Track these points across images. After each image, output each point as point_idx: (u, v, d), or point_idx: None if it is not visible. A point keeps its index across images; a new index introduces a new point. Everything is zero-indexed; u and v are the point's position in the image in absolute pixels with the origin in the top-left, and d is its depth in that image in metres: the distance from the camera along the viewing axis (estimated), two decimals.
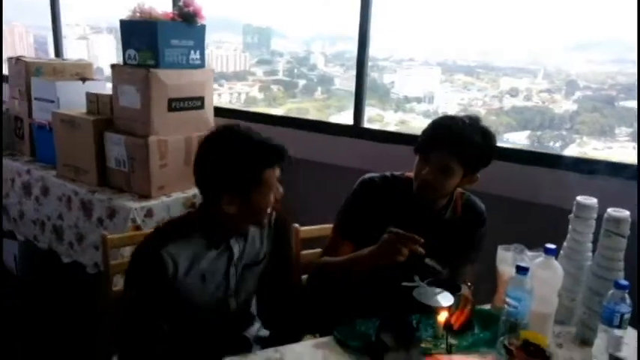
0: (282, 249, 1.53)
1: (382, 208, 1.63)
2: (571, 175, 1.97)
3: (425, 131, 1.56)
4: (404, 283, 1.43)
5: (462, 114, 1.56)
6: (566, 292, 1.51)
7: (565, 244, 1.57)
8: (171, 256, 1.30)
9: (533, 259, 1.50)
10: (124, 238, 1.82)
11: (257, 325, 1.61)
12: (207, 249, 1.36)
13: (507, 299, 1.35)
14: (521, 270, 1.34)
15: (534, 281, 1.36)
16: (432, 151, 1.51)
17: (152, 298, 1.31)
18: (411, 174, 1.64)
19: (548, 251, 1.41)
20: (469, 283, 1.52)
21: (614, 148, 2.19)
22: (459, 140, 1.48)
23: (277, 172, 1.32)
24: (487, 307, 1.61)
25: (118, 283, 2.22)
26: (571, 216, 1.55)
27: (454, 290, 1.45)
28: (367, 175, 1.69)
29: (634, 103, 1.98)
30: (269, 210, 1.36)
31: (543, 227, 1.79)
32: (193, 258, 1.34)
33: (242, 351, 1.37)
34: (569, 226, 1.56)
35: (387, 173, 1.69)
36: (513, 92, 2.47)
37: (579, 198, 1.54)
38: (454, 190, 1.63)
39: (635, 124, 2.02)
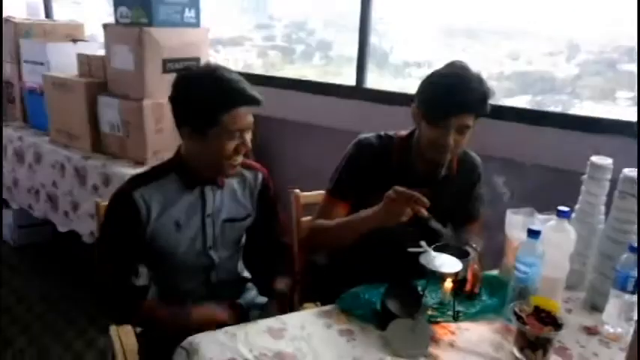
0: (266, 211, 1.50)
1: (378, 168, 1.58)
2: (581, 136, 1.89)
3: (432, 99, 1.47)
4: (410, 249, 1.37)
5: (446, 68, 1.48)
6: (577, 256, 1.45)
7: (577, 206, 1.51)
8: (143, 199, 1.30)
9: (543, 222, 1.45)
10: None
11: (253, 292, 1.56)
12: (181, 192, 1.35)
13: (517, 264, 1.30)
14: (533, 233, 1.28)
15: (545, 245, 1.30)
16: (451, 116, 1.43)
17: (123, 238, 1.31)
18: (403, 133, 1.61)
19: (561, 214, 1.35)
20: (474, 245, 1.47)
21: (614, 112, 2.10)
22: (476, 99, 1.43)
23: (243, 121, 1.27)
24: (495, 272, 1.56)
25: None
26: (584, 177, 1.49)
27: (462, 256, 1.39)
28: (362, 136, 1.63)
29: (635, 67, 1.88)
30: (233, 161, 1.31)
31: (552, 190, 1.73)
32: (166, 202, 1.33)
33: (238, 317, 1.33)
34: (582, 188, 1.49)
35: (381, 133, 1.64)
36: (514, 56, 2.38)
37: (594, 158, 1.46)
38: None
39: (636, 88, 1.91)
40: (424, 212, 1.35)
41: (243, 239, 1.51)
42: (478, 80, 1.44)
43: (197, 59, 2.55)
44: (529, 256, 1.28)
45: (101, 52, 2.61)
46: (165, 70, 2.42)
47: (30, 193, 2.89)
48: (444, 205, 1.59)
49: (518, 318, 1.19)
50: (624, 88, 2.11)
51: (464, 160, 1.64)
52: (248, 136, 1.30)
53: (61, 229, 2.75)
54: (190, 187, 1.35)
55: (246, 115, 1.27)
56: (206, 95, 1.22)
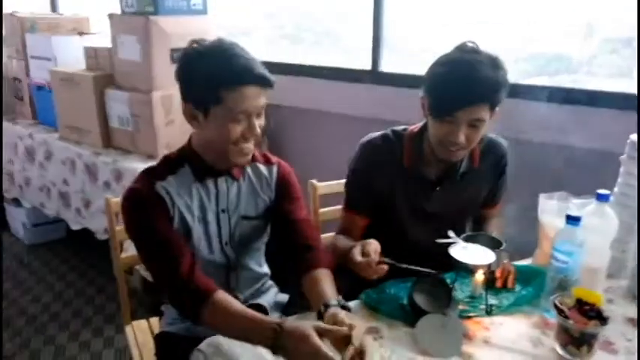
0: (287, 203, 1.35)
1: (389, 173, 1.46)
2: (616, 113, 1.78)
3: (437, 90, 1.31)
4: (438, 240, 1.28)
5: (455, 53, 1.31)
6: (617, 243, 1.35)
7: (616, 189, 1.41)
8: (166, 191, 1.20)
9: (579, 207, 1.35)
10: None
11: (274, 290, 1.47)
12: (195, 184, 1.25)
13: (555, 253, 1.20)
14: (572, 220, 1.18)
15: (585, 232, 1.20)
16: (458, 109, 1.27)
17: (164, 229, 1.18)
18: (414, 127, 1.47)
19: (600, 197, 1.25)
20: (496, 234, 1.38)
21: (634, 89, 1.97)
22: (487, 87, 1.26)
23: (250, 103, 1.13)
24: (528, 261, 1.46)
25: (128, 249, 2.13)
26: (623, 157, 1.39)
27: (494, 245, 1.31)
28: (366, 138, 1.50)
29: None
30: (241, 148, 1.18)
31: (586, 173, 1.63)
32: (184, 195, 1.23)
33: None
34: (621, 169, 1.40)
35: (388, 131, 1.50)
36: (529, 37, 2.25)
37: (633, 136, 1.36)
38: None
39: None
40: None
41: (266, 238, 1.39)
42: (491, 65, 1.26)
43: None
44: (568, 245, 1.19)
45: (108, 45, 2.53)
46: (174, 60, 2.34)
47: (42, 192, 2.85)
48: (465, 199, 1.51)
49: (560, 312, 1.10)
50: None
51: (488, 149, 1.50)
52: (257, 122, 1.17)
53: (74, 227, 2.71)
54: (202, 179, 1.25)
55: (254, 97, 1.14)
56: (210, 68, 1.11)
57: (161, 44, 2.29)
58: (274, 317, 1.16)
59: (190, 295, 1.13)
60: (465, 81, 1.25)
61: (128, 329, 1.66)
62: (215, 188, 1.27)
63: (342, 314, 1.07)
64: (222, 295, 1.13)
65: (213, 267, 1.29)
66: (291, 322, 1.02)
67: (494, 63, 1.28)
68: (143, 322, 1.69)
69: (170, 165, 1.24)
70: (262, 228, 1.36)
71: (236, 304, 1.12)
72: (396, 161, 1.46)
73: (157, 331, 1.60)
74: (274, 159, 1.37)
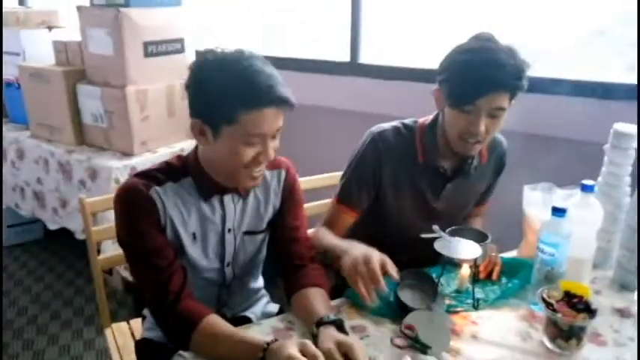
0: (290, 217, 1.28)
1: (400, 169, 1.40)
2: (598, 103, 1.77)
3: (457, 78, 1.26)
4: (423, 235, 1.26)
5: (472, 42, 1.27)
6: (602, 233, 1.34)
7: (600, 179, 1.40)
8: (160, 198, 1.10)
9: (564, 198, 1.34)
10: (105, 201, 1.61)
11: (264, 300, 1.43)
12: (197, 200, 1.16)
13: (542, 245, 1.19)
14: (558, 211, 1.16)
15: (570, 223, 1.19)
16: (478, 98, 1.22)
17: (156, 239, 1.10)
18: (424, 120, 1.42)
19: (585, 188, 1.24)
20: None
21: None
22: (509, 74, 1.21)
23: (267, 126, 1.04)
24: (513, 254, 1.45)
25: (107, 249, 2.06)
26: (606, 146, 1.37)
27: (480, 239, 1.29)
28: (377, 129, 1.42)
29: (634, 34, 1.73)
30: (252, 171, 1.10)
31: (568, 163, 1.62)
32: (183, 208, 1.14)
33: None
34: (605, 158, 1.38)
35: (398, 123, 1.44)
36: (499, 32, 2.24)
37: (617, 125, 1.35)
38: None
39: None
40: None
41: (263, 254, 1.33)
42: (510, 53, 1.23)
43: (181, 40, 2.40)
44: (554, 236, 1.17)
45: (78, 39, 2.45)
46: (147, 54, 2.27)
47: (15, 192, 2.76)
48: (468, 197, 1.49)
49: (548, 305, 1.08)
50: (617, 55, 1.99)
51: (494, 145, 1.48)
52: (272, 144, 1.09)
53: (52, 226, 2.63)
54: (207, 197, 1.16)
55: (272, 119, 1.04)
56: (228, 85, 1.00)
57: (133, 37, 2.21)
58: (264, 337, 1.10)
59: (178, 321, 1.08)
60: (487, 67, 1.21)
61: (108, 332, 1.60)
62: (221, 208, 1.18)
63: (357, 350, 0.98)
64: (211, 320, 1.07)
65: (206, 284, 1.25)
66: (280, 341, 0.98)
67: (512, 52, 1.25)
68: (123, 325, 1.64)
69: (172, 171, 1.14)
70: (264, 240, 1.30)
71: (224, 327, 1.07)
72: (409, 156, 1.40)
73: (138, 333, 1.58)
74: (283, 161, 1.27)
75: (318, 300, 1.16)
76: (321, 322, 1.07)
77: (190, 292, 1.12)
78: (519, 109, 1.89)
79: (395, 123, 1.44)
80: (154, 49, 2.29)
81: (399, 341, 1.08)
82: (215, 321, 1.08)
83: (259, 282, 1.41)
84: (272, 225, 1.28)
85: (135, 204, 1.09)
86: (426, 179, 1.42)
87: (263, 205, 1.25)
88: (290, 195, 1.28)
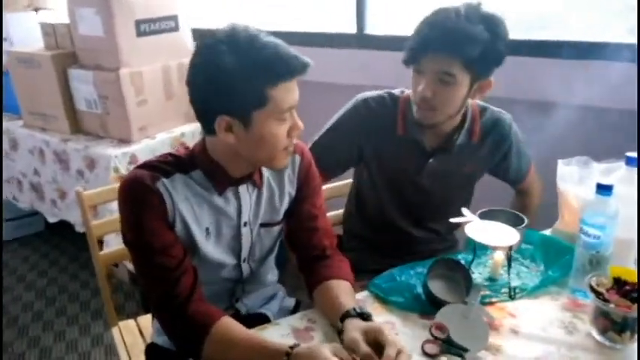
0: (308, 204, 1.17)
1: (378, 138, 1.35)
2: (629, 67, 1.62)
3: (412, 35, 1.23)
4: (452, 219, 1.15)
5: (458, 4, 1.21)
6: None
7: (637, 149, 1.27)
8: (168, 192, 1.00)
9: (604, 173, 1.22)
10: (104, 193, 1.50)
11: (280, 295, 1.32)
12: (209, 194, 1.05)
13: (585, 227, 1.08)
14: (604, 189, 1.05)
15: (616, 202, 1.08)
16: (424, 56, 1.19)
17: (164, 237, 1.00)
18: (410, 91, 1.33)
19: (630, 161, 1.12)
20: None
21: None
22: (453, 36, 1.15)
23: (295, 95, 0.99)
24: (548, 232, 1.34)
25: (111, 242, 1.97)
26: None
27: (514, 221, 1.18)
28: (361, 96, 1.38)
29: None
30: (284, 147, 1.01)
31: (604, 134, 1.50)
32: (193, 202, 1.03)
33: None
34: None
35: (384, 92, 1.38)
36: None
37: None
38: (464, 105, 1.29)
39: None
40: None
41: (277, 245, 1.24)
42: (475, 20, 1.16)
43: (174, 18, 2.25)
44: (600, 217, 1.06)
45: (67, 20, 2.30)
46: (140, 33, 2.13)
47: (11, 184, 2.65)
48: (459, 176, 1.40)
49: (598, 295, 0.98)
50: (617, 17, 1.87)
51: (491, 125, 1.37)
52: (296, 114, 1.03)
53: (51, 219, 2.53)
54: (222, 190, 1.06)
55: (295, 88, 0.99)
56: (249, 67, 0.91)
57: (124, 16, 2.06)
58: (284, 339, 1.00)
59: (187, 326, 0.98)
60: (433, 27, 1.18)
61: (115, 331, 1.52)
62: (237, 200, 1.08)
63: (387, 332, 0.92)
64: (224, 324, 0.98)
65: (221, 281, 1.15)
66: (304, 346, 0.89)
67: (489, 22, 1.17)
68: (131, 323, 1.55)
69: (179, 163, 1.04)
70: (280, 231, 1.20)
71: (240, 331, 0.97)
72: (389, 127, 1.34)
73: (146, 331, 1.50)
74: (297, 145, 1.15)
75: (343, 293, 1.06)
76: (346, 316, 0.98)
77: (201, 294, 1.02)
78: (538, 76, 1.77)
79: (382, 92, 1.38)
80: (146, 27, 2.15)
81: (430, 347, 0.97)
82: (229, 324, 0.98)
83: (275, 274, 1.31)
84: (288, 214, 1.18)
85: (140, 198, 0.99)
86: (407, 153, 1.35)
87: (278, 195, 1.14)
88: (306, 181, 1.17)
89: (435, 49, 1.17)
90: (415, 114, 1.28)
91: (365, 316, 0.99)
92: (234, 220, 1.09)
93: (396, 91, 1.38)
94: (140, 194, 0.99)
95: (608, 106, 1.61)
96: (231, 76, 0.92)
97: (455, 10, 1.18)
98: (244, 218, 1.10)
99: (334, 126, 1.39)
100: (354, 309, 1.00)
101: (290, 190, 1.16)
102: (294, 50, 0.96)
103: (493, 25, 1.18)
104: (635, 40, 1.59)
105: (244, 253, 1.14)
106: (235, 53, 0.92)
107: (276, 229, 1.18)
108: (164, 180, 1.00)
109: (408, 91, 1.34)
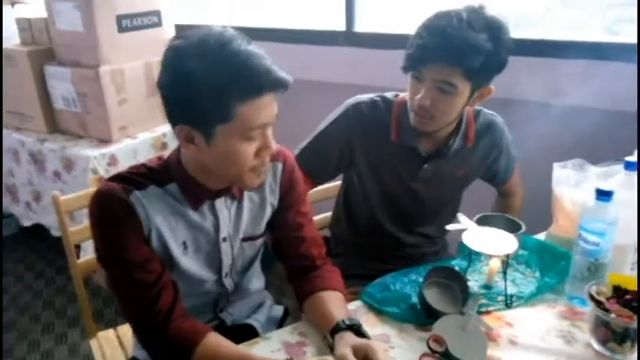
0: (293, 213, 1.11)
1: (370, 144, 1.30)
2: (624, 67, 1.60)
3: (412, 40, 1.17)
4: (448, 226, 1.11)
5: (459, 7, 1.16)
6: None
7: (636, 152, 1.25)
8: (141, 205, 0.93)
9: (600, 177, 1.20)
10: (82, 198, 1.43)
11: (267, 303, 1.27)
12: (185, 207, 0.99)
13: (584, 234, 1.04)
14: (603, 195, 1.02)
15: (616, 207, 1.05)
16: (424, 65, 1.14)
17: (140, 251, 0.94)
18: (405, 94, 1.28)
19: (629, 165, 1.09)
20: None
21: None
22: (456, 45, 1.10)
23: (267, 113, 0.88)
24: (541, 236, 1.31)
25: (88, 250, 1.89)
26: None
27: (510, 227, 1.15)
28: (353, 100, 1.33)
29: None
30: (250, 167, 0.92)
31: (597, 136, 1.48)
32: (169, 215, 0.97)
33: (247, 340, 1.03)
34: None
35: (377, 97, 1.33)
36: None
37: None
38: (462, 113, 1.26)
39: None
40: None
41: (260, 252, 1.18)
42: (478, 28, 1.10)
43: (157, 13, 2.19)
44: (600, 223, 1.03)
45: (44, 15, 2.22)
46: (121, 29, 2.06)
47: None
48: (453, 181, 1.36)
49: (598, 304, 0.94)
50: (596, 15, 1.87)
51: (485, 128, 1.34)
52: (270, 132, 0.93)
53: (25, 222, 2.44)
54: (197, 205, 0.99)
55: (270, 105, 0.88)
56: (216, 76, 0.83)
57: (105, 10, 2.00)
58: (276, 355, 0.95)
59: (170, 346, 0.92)
60: (434, 34, 1.12)
61: (93, 343, 1.45)
62: (213, 215, 1.02)
63: (379, 352, 0.88)
64: (211, 342, 0.92)
65: (203, 294, 1.09)
66: None
67: (493, 29, 1.12)
68: (111, 333, 1.48)
69: (154, 175, 0.97)
70: (262, 242, 1.14)
71: (227, 349, 0.92)
72: (382, 133, 1.30)
73: (127, 340, 1.42)
74: (278, 150, 1.04)
75: (333, 305, 1.01)
76: (336, 329, 0.94)
77: (183, 311, 0.96)
78: (533, 76, 1.74)
79: (374, 95, 1.33)
80: (128, 23, 2.08)
81: None
82: (216, 341, 0.93)
83: (261, 279, 1.24)
84: (273, 225, 1.12)
85: (112, 212, 0.92)
86: (401, 159, 1.31)
87: (259, 206, 1.08)
88: (290, 189, 1.10)
89: (436, 58, 1.12)
90: (412, 121, 1.23)
91: (355, 328, 0.95)
92: (211, 235, 1.03)
93: (390, 95, 1.33)
94: (112, 208, 0.92)
95: (594, 107, 1.59)
96: (195, 85, 0.83)
97: (457, 16, 1.12)
98: (223, 234, 1.03)
99: (324, 131, 1.34)
100: (343, 321, 0.95)
101: (272, 200, 1.09)
102: (271, 63, 0.86)
103: (496, 32, 1.13)
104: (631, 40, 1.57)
105: (225, 269, 1.08)
106: (202, 59, 0.83)
107: (259, 241, 1.12)
108: (137, 192, 0.93)
109: (402, 95, 1.30)
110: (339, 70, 2.20)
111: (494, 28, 1.13)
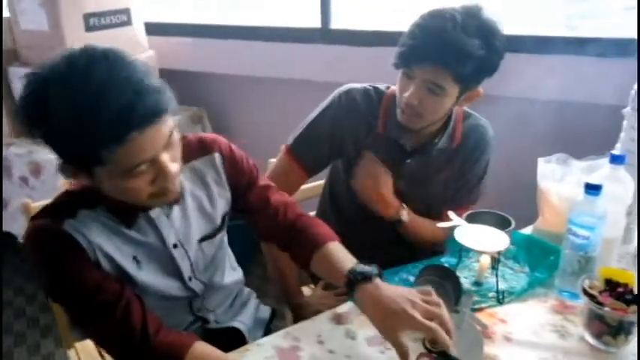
0: (249, 192, 1.08)
1: (359, 133, 1.29)
2: (611, 62, 1.61)
3: (405, 38, 1.17)
4: (439, 224, 1.10)
5: (454, 8, 1.14)
6: None
7: (618, 145, 1.28)
8: (78, 231, 0.86)
9: (584, 170, 1.21)
10: None
11: (252, 302, 1.23)
12: (120, 226, 0.92)
13: (574, 228, 1.05)
14: (592, 189, 1.02)
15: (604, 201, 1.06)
16: (415, 64, 1.15)
17: (90, 274, 0.87)
18: (395, 88, 1.27)
19: (615, 159, 1.10)
20: None
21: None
22: (448, 49, 1.09)
23: (148, 147, 0.78)
24: (528, 230, 1.32)
25: None
26: (626, 110, 1.25)
27: (500, 223, 1.14)
28: (346, 87, 1.32)
29: None
30: (148, 195, 0.84)
31: (580, 130, 1.49)
32: (109, 234, 0.90)
33: (234, 345, 1.00)
34: (624, 123, 1.27)
35: (369, 86, 1.32)
36: None
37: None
38: (449, 112, 1.26)
39: None
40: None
41: (226, 238, 1.12)
42: (470, 32, 1.09)
43: (126, 11, 2.12)
44: (588, 217, 1.03)
45: (7, 13, 2.12)
46: (89, 28, 1.99)
47: None
48: (436, 183, 1.34)
49: (592, 298, 0.95)
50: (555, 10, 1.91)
51: (472, 130, 1.32)
52: (169, 154, 0.82)
53: None
54: (131, 224, 0.92)
55: (153, 137, 0.77)
56: (77, 121, 0.72)
57: (72, 9, 1.93)
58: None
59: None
60: (426, 35, 1.11)
61: (71, 353, 1.38)
62: (152, 227, 0.95)
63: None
64: (198, 351, 0.88)
65: (174, 302, 1.03)
66: None
67: (479, 32, 1.10)
68: (89, 343, 1.41)
69: (81, 199, 0.89)
70: (224, 234, 1.10)
71: (217, 358, 0.88)
72: (370, 123, 1.29)
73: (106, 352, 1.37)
74: (210, 141, 1.03)
75: (334, 259, 0.99)
76: (352, 282, 0.91)
77: (158, 322, 0.90)
78: (514, 72, 1.75)
79: (367, 84, 1.33)
80: (96, 21, 2.00)
81: None
82: (203, 351, 0.89)
83: (238, 273, 1.19)
84: (240, 211, 1.08)
85: (51, 247, 0.85)
86: (385, 151, 1.29)
87: (207, 202, 1.02)
88: (238, 173, 1.05)
89: (428, 60, 1.12)
90: (399, 117, 1.22)
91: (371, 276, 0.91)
92: (159, 246, 0.96)
93: (382, 86, 1.33)
94: (49, 243, 0.85)
95: (573, 100, 1.61)
96: (59, 126, 0.73)
97: (451, 19, 1.10)
98: (171, 241, 0.97)
99: (316, 118, 1.32)
100: (354, 272, 0.92)
101: (221, 191, 1.04)
102: (144, 88, 0.75)
103: (490, 38, 1.12)
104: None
105: (187, 273, 1.01)
106: (66, 97, 0.72)
107: (218, 236, 1.06)
108: (69, 220, 0.86)
109: (394, 87, 1.29)
110: (316, 68, 2.17)
111: (489, 34, 1.12)
